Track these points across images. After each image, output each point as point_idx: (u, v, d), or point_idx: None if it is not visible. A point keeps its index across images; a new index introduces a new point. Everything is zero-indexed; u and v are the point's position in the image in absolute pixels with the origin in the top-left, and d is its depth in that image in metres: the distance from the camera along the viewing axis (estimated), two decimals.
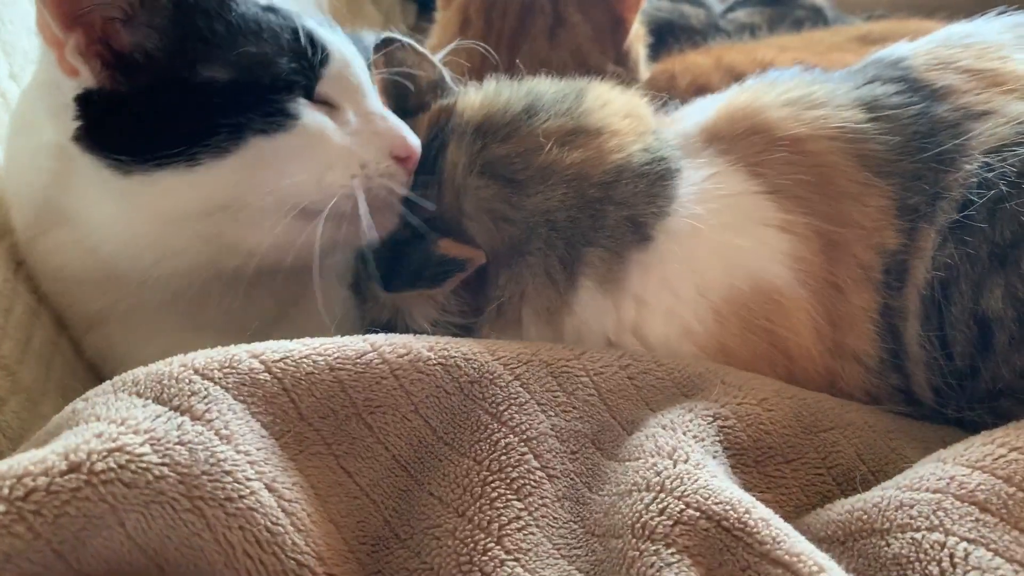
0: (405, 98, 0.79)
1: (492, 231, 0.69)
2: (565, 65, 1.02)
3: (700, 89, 1.07)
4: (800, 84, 0.75)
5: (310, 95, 0.68)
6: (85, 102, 0.64)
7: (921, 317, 0.66)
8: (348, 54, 0.71)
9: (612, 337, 0.69)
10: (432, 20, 1.17)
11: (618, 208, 0.69)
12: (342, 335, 0.72)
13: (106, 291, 0.71)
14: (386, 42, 0.80)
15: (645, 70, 1.12)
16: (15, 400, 0.65)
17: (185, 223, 0.66)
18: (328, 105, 0.69)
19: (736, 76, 1.10)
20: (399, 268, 0.70)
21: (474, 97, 0.76)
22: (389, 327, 0.73)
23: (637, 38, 1.10)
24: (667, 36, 1.34)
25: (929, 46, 0.75)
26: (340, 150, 0.68)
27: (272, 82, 0.66)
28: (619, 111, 0.75)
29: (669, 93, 1.02)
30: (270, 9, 0.69)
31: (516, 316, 0.69)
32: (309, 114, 0.67)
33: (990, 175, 0.64)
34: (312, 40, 0.68)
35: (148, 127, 0.65)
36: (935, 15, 1.39)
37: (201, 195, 0.65)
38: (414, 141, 0.71)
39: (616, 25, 1.05)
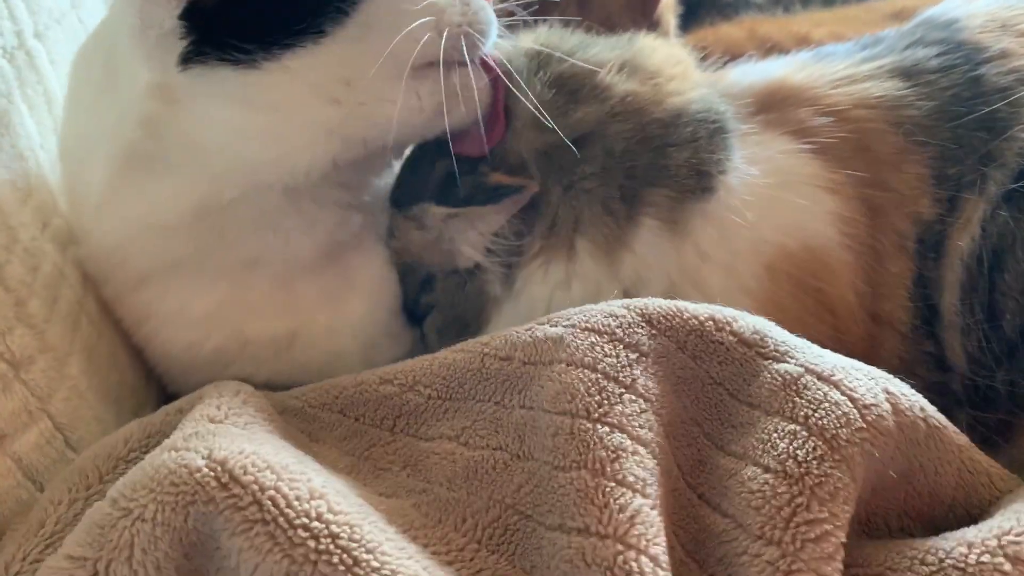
0: None
1: (540, 141, 0.69)
2: (595, 34, 1.01)
3: (734, 60, 1.05)
4: (850, 63, 0.75)
5: None
6: (191, 16, 0.63)
7: (963, 287, 0.65)
8: None
9: (675, 279, 0.68)
10: None
11: (680, 151, 0.69)
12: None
13: (183, 239, 0.70)
14: None
15: (675, 41, 1.10)
16: (43, 359, 0.65)
17: (313, 108, 0.65)
18: None
19: (771, 49, 1.08)
20: (452, 192, 0.70)
21: (526, 37, 0.77)
22: (428, 279, 0.74)
23: (668, 8, 1.08)
24: (697, 9, 1.31)
25: (989, 7, 0.74)
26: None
27: None
28: (669, 58, 0.76)
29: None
30: None
31: (570, 244, 0.69)
32: None
33: None
34: None
35: (266, 15, 0.63)
36: None
37: (331, 68, 0.64)
38: None
39: None
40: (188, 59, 0.63)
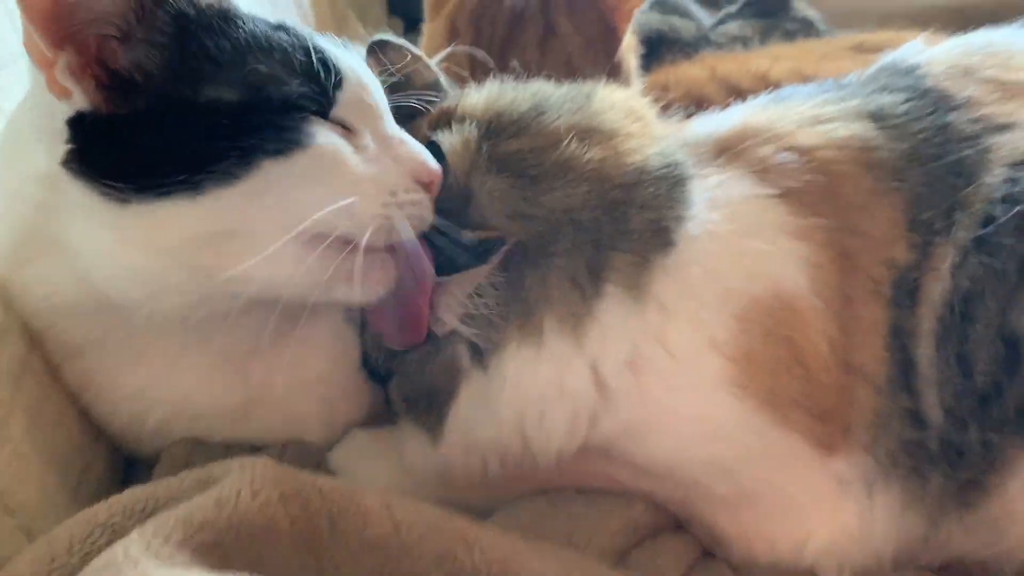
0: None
1: (511, 227, 0.66)
2: (556, 75, 1.01)
3: (695, 100, 1.06)
4: (813, 104, 0.74)
5: (324, 118, 0.64)
6: (78, 125, 0.59)
7: (937, 336, 0.64)
8: (364, 75, 0.67)
9: (638, 342, 0.66)
10: (420, 34, 1.15)
11: (641, 211, 0.67)
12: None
13: (93, 321, 0.68)
14: (379, 44, 0.77)
15: (637, 81, 1.11)
16: None
17: (185, 255, 0.61)
18: (343, 129, 0.65)
19: (731, 87, 1.09)
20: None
21: (476, 98, 0.74)
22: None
23: (629, 49, 1.09)
24: (658, 48, 1.33)
25: (949, 54, 0.74)
26: (366, 176, 0.63)
27: (283, 103, 0.61)
28: (627, 113, 0.74)
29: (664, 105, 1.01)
30: (281, 27, 0.65)
31: (540, 322, 0.66)
32: (325, 135, 0.62)
33: (1015, 189, 0.63)
34: (325, 62, 0.64)
35: (148, 153, 0.59)
36: (927, 28, 1.39)
37: (205, 225, 0.59)
38: (435, 165, 0.67)
39: (608, 35, 1.04)
40: (68, 165, 0.60)
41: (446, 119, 0.72)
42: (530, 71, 0.98)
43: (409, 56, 0.77)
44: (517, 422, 0.67)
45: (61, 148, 0.60)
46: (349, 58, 0.67)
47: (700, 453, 0.68)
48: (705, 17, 1.60)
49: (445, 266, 0.65)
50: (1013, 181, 0.63)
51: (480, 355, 0.67)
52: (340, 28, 2.05)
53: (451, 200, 0.68)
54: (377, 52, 0.77)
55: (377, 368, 0.74)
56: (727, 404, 0.65)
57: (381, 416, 0.78)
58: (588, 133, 0.70)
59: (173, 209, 0.58)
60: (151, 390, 0.71)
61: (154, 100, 0.59)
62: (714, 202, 0.68)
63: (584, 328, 0.65)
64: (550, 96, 0.73)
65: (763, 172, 0.69)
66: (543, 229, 0.65)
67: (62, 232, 0.63)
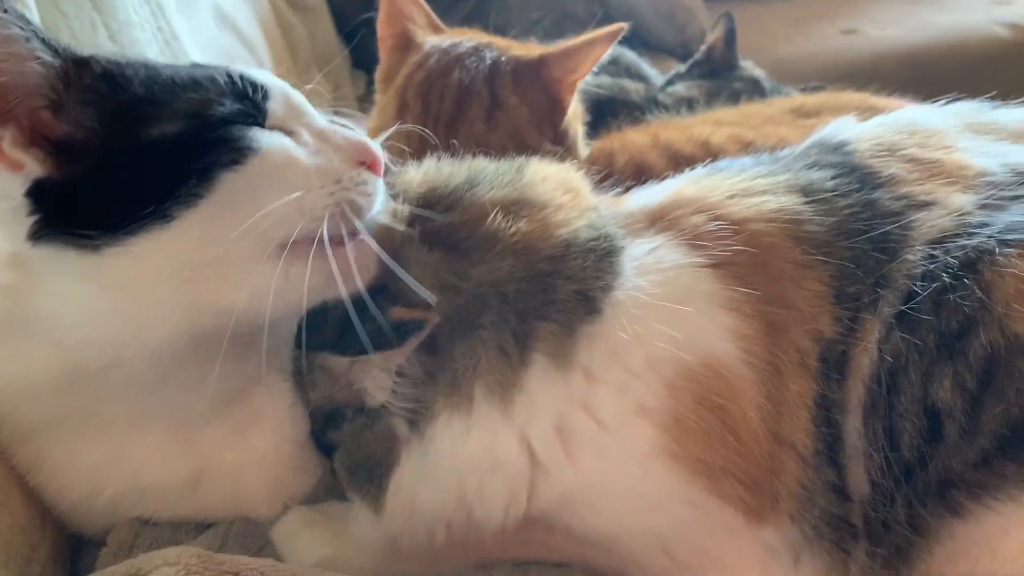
0: None
1: (440, 300, 0.67)
2: (504, 147, 1.03)
3: (638, 167, 1.09)
4: (745, 177, 0.76)
5: (262, 127, 0.67)
6: (37, 194, 0.62)
7: (865, 408, 0.65)
8: (284, 85, 0.71)
9: (563, 410, 0.67)
10: None
11: (568, 282, 0.68)
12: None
13: (57, 399, 0.69)
14: None
15: (584, 148, 1.13)
16: None
17: (163, 289, 0.63)
18: (282, 132, 0.68)
19: (673, 153, 1.12)
20: (352, 338, 0.67)
21: (414, 173, 0.76)
22: (336, 413, 0.72)
23: (575, 117, 1.12)
24: (607, 111, 1.36)
25: (875, 131, 0.77)
26: (311, 168, 0.66)
27: (223, 120, 0.65)
28: (559, 185, 0.75)
29: (608, 171, 1.03)
30: (198, 65, 0.70)
31: (469, 392, 0.67)
32: (269, 138, 0.65)
33: (933, 266, 0.65)
34: (248, 80, 0.68)
35: (111, 198, 0.62)
36: (867, 87, 1.44)
37: (179, 252, 0.62)
38: (374, 144, 0.70)
39: (553, 106, 1.06)
40: (36, 235, 0.62)
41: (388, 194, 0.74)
42: (478, 143, 1.02)
43: None
44: (459, 493, 0.68)
45: (23, 225, 0.62)
46: (265, 74, 0.71)
47: (637, 524, 0.69)
48: (656, 76, 1.64)
49: (374, 335, 0.66)
50: (932, 258, 0.65)
51: (416, 423, 0.68)
52: (302, 82, 2.07)
53: (382, 275, 0.69)
54: None
55: (321, 441, 0.76)
56: (660, 475, 0.66)
57: (332, 490, 0.79)
58: (518, 205, 0.71)
59: (147, 243, 0.61)
60: (105, 466, 0.73)
61: (102, 152, 0.62)
62: (643, 269, 0.70)
63: (512, 398, 0.66)
64: (484, 170, 0.76)
65: (693, 241, 0.71)
66: (470, 302, 0.67)
67: (33, 308, 0.65)
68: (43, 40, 0.61)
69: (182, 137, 0.63)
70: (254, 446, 0.75)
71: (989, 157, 0.72)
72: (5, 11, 0.58)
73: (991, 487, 0.61)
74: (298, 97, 0.71)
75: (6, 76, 0.59)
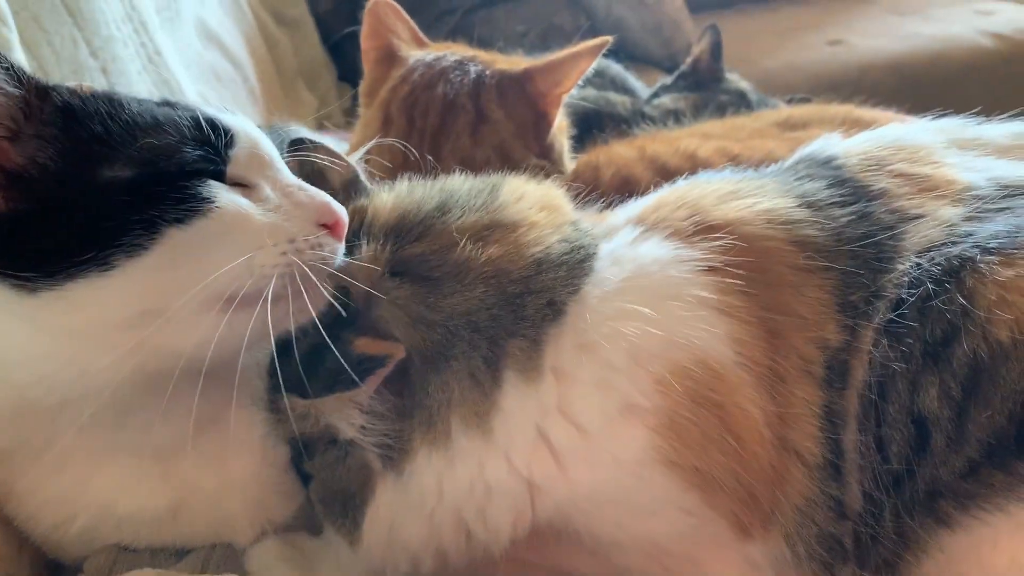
0: None
1: (412, 334, 0.66)
2: (489, 161, 1.03)
3: (624, 180, 1.09)
4: (730, 183, 0.76)
5: (221, 179, 0.65)
6: None
7: (859, 418, 0.65)
8: (253, 133, 0.69)
9: (539, 422, 0.66)
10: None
11: (536, 297, 0.67)
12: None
13: (16, 426, 0.67)
14: (296, 142, 0.78)
15: (569, 162, 1.13)
16: None
17: (104, 335, 0.61)
18: (242, 187, 0.66)
19: (660, 166, 1.12)
20: (316, 373, 0.65)
21: (386, 198, 0.75)
22: (310, 443, 0.70)
23: (560, 131, 1.11)
24: (593, 126, 1.36)
25: (862, 147, 0.77)
26: (265, 228, 0.64)
27: (179, 170, 0.62)
28: (535, 203, 0.74)
29: (594, 185, 1.03)
30: (166, 103, 0.67)
31: (446, 427, 0.66)
32: (225, 196, 0.63)
33: (919, 274, 0.65)
34: (214, 125, 0.66)
35: (52, 239, 0.59)
36: (854, 97, 1.45)
37: (120, 301, 0.60)
38: (339, 207, 0.68)
39: (538, 120, 1.06)
40: None
41: (359, 218, 0.73)
42: (463, 158, 1.02)
43: (327, 153, 0.78)
44: (454, 522, 0.68)
45: None
46: (237, 120, 0.69)
47: (634, 531, 0.68)
48: (642, 89, 1.64)
49: (334, 372, 0.64)
50: (918, 266, 0.65)
51: (391, 459, 0.67)
52: (288, 96, 2.07)
53: (353, 306, 0.68)
54: (294, 150, 0.77)
55: (299, 469, 0.74)
56: (656, 481, 0.65)
57: (311, 516, 0.78)
58: (488, 230, 0.70)
59: (86, 289, 0.59)
60: (75, 496, 0.71)
61: (52, 189, 0.60)
62: (617, 259, 0.69)
63: (490, 422, 0.65)
64: (457, 192, 0.74)
65: (678, 235, 0.70)
66: (443, 335, 0.66)
67: None
68: (5, 68, 0.59)
69: (133, 184, 0.61)
70: (233, 472, 0.74)
71: (975, 172, 0.72)
72: None
73: (979, 497, 0.61)
74: (267, 147, 0.69)
75: None
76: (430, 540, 0.68)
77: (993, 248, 0.64)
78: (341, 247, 0.68)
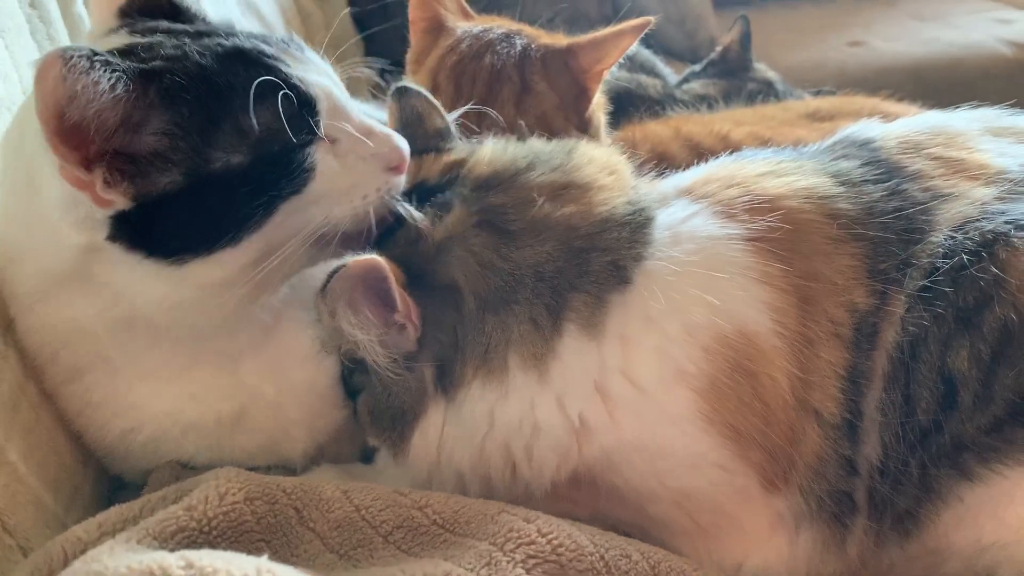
0: (413, 138, 0.82)
1: (479, 277, 0.71)
2: (531, 130, 1.06)
3: (659, 157, 1.12)
4: (771, 161, 0.80)
5: (314, 140, 0.71)
6: (120, 219, 0.66)
7: (887, 378, 0.69)
8: (326, 83, 0.74)
9: (598, 378, 0.70)
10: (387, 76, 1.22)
11: (602, 254, 0.72)
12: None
13: (111, 339, 0.73)
14: (401, 91, 0.87)
15: (606, 137, 1.16)
16: None
17: (229, 281, 0.70)
18: (327, 142, 0.72)
19: (694, 146, 1.16)
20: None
21: (483, 152, 0.81)
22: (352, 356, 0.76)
23: (599, 106, 1.14)
24: (626, 104, 1.39)
25: (900, 131, 0.81)
26: (347, 187, 0.72)
27: (284, 150, 0.69)
28: (603, 167, 0.79)
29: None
30: (247, 59, 0.70)
31: (503, 364, 0.70)
32: (322, 159, 0.71)
33: (952, 245, 0.69)
34: (303, 92, 0.70)
35: (185, 228, 0.68)
36: (878, 92, 1.48)
37: (242, 261, 0.69)
38: (404, 147, 0.75)
39: (580, 94, 1.09)
40: (116, 239, 0.67)
41: (457, 168, 0.79)
42: (507, 126, 1.05)
43: (426, 103, 0.86)
44: (504, 456, 0.72)
45: (99, 231, 0.66)
46: (310, 76, 0.72)
47: (671, 483, 0.73)
48: (670, 75, 1.67)
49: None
50: (952, 238, 0.70)
51: (445, 382, 0.72)
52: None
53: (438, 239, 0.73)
54: (398, 97, 0.86)
55: (348, 382, 0.79)
56: (695, 436, 0.70)
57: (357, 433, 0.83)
58: (565, 188, 0.75)
59: (218, 258, 0.68)
60: (146, 405, 0.76)
61: (174, 177, 0.66)
62: (677, 238, 0.73)
63: (547, 365, 0.70)
64: (541, 152, 0.80)
65: (728, 212, 0.74)
66: (504, 283, 0.71)
67: (103, 274, 0.69)
68: (116, 69, 0.62)
69: (249, 170, 0.67)
70: (292, 379, 0.80)
71: (1008, 157, 0.76)
72: (79, 56, 0.59)
73: (1001, 451, 0.66)
74: (339, 96, 0.74)
75: (90, 121, 0.61)
76: (478, 466, 0.73)
77: None
78: (402, 179, 0.75)
